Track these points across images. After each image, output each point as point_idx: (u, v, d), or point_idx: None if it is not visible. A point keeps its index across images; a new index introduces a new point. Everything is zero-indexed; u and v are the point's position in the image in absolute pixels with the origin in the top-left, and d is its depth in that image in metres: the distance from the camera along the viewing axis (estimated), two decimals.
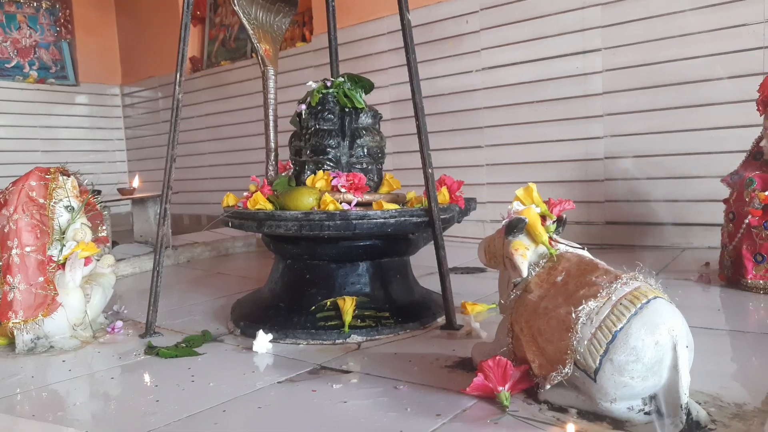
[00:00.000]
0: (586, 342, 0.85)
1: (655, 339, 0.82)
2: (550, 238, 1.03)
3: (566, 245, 1.03)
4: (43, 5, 4.63)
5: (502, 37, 2.77)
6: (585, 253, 1.01)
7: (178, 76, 1.50)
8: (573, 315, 0.87)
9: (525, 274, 1.00)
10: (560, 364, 0.88)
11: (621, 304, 0.85)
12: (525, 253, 1.00)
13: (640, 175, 2.45)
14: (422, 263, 1.86)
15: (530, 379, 0.97)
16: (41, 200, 1.43)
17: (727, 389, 0.99)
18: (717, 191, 1.95)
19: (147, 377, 1.22)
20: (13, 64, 4.47)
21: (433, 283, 1.72)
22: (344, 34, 2.93)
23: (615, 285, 0.87)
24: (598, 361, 0.84)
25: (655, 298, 0.86)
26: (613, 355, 0.83)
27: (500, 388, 0.96)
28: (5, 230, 1.39)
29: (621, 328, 0.83)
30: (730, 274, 1.71)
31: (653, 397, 0.86)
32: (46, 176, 1.47)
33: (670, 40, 2.34)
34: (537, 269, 1.00)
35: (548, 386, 0.91)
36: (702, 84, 2.29)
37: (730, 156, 2.12)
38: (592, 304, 0.86)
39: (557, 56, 2.61)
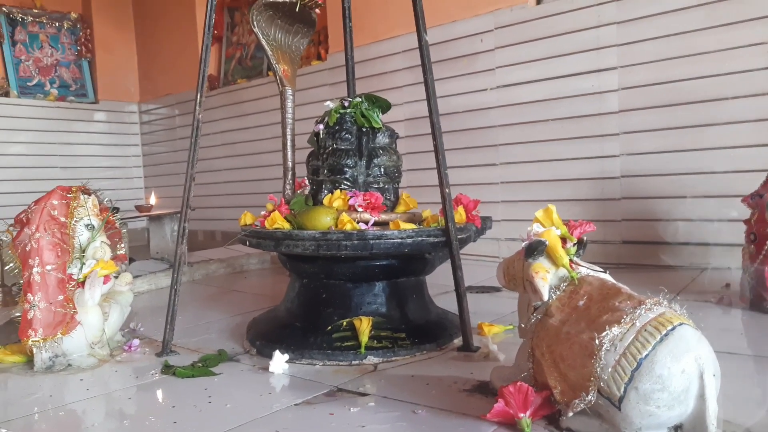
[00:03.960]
0: (610, 369, 0.83)
1: (681, 367, 0.80)
2: (571, 261, 1.02)
3: (588, 268, 1.02)
4: (65, 25, 4.74)
5: (516, 55, 2.78)
6: (607, 276, 1.00)
7: (198, 97, 1.52)
8: (596, 341, 0.85)
9: (546, 297, 0.99)
10: (583, 390, 0.86)
11: (646, 330, 0.83)
12: (546, 276, 0.99)
13: (657, 193, 2.43)
14: (437, 282, 1.85)
15: (552, 406, 0.96)
16: (62, 219, 1.45)
17: (754, 418, 0.97)
18: (737, 211, 1.93)
19: (164, 397, 1.22)
20: (34, 82, 4.57)
21: (448, 303, 1.70)
22: (359, 52, 2.96)
23: (639, 310, 0.86)
24: (622, 389, 0.82)
25: (680, 324, 0.84)
26: (638, 383, 0.81)
27: (521, 415, 0.94)
28: (27, 249, 1.41)
29: (646, 356, 0.81)
30: (752, 297, 1.68)
31: (679, 427, 0.84)
32: (68, 195, 1.48)
33: (685, 58, 2.33)
34: (558, 293, 0.99)
35: (570, 413, 0.89)
36: (719, 103, 2.28)
37: (749, 175, 2.09)
38: (615, 330, 0.85)
39: (572, 74, 2.61)
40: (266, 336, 1.50)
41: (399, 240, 1.36)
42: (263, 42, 1.66)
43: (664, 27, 2.38)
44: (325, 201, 1.51)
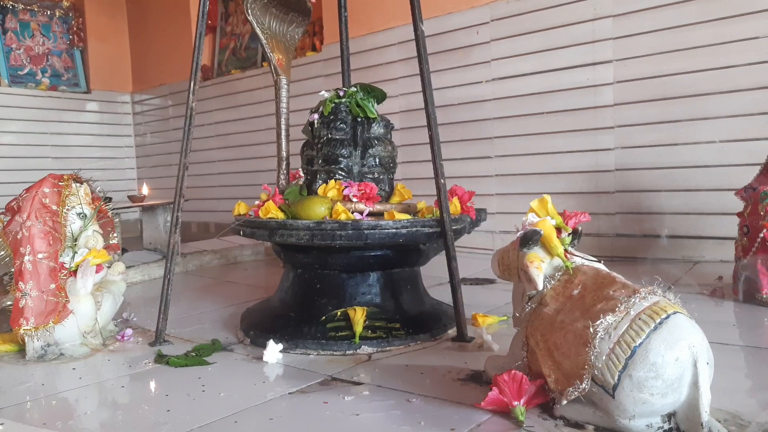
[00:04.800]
0: (604, 357, 0.84)
1: (675, 355, 0.81)
2: (566, 250, 1.02)
3: (582, 258, 1.02)
4: (57, 13, 4.68)
5: (512, 48, 2.77)
6: (601, 266, 1.00)
7: (192, 86, 1.51)
8: (591, 329, 0.86)
9: (540, 287, 0.99)
10: (577, 379, 0.87)
11: (640, 318, 0.84)
12: (540, 266, 1.00)
13: (651, 187, 2.44)
14: (431, 273, 1.85)
15: (546, 394, 0.96)
16: (54, 207, 1.44)
17: (746, 407, 0.98)
18: (730, 204, 1.94)
19: (157, 386, 1.21)
20: (25, 71, 4.52)
21: (442, 294, 1.71)
22: (354, 43, 2.95)
23: (633, 299, 0.86)
24: (616, 377, 0.82)
25: (674, 313, 0.84)
26: (632, 371, 0.81)
27: (515, 403, 0.94)
28: (18, 237, 1.39)
29: (640, 344, 0.82)
30: (744, 289, 1.69)
31: (673, 415, 0.85)
32: (60, 183, 1.47)
33: (680, 52, 2.34)
34: (552, 282, 0.99)
35: (564, 401, 0.89)
36: (713, 96, 2.28)
37: (742, 169, 2.10)
38: (610, 318, 0.85)
39: (568, 67, 2.61)
40: (260, 326, 1.50)
41: (394, 230, 1.36)
42: (258, 31, 1.65)
43: (659, 21, 2.38)
44: (320, 191, 1.51)
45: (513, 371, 0.96)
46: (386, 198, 1.59)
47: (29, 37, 4.56)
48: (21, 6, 4.54)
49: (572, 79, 2.60)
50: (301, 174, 1.67)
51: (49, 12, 4.65)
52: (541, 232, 1.01)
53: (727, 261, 1.99)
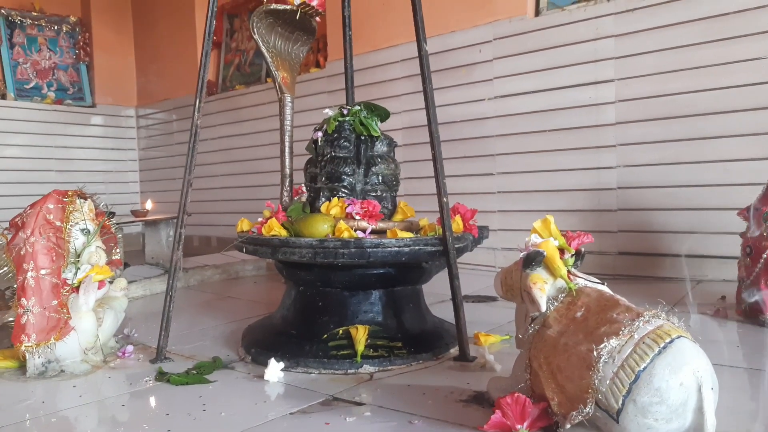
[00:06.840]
0: (608, 381, 0.83)
1: (679, 380, 0.80)
2: (569, 272, 1.02)
3: (585, 280, 1.02)
4: (64, 28, 4.74)
5: (514, 66, 2.79)
6: (605, 288, 1.00)
7: (197, 103, 1.52)
8: (594, 353, 0.85)
9: (543, 308, 0.99)
10: (581, 402, 0.86)
11: (644, 342, 0.83)
12: (543, 287, 0.99)
13: (654, 205, 2.44)
14: (433, 291, 1.85)
15: (549, 417, 0.95)
16: (58, 223, 1.44)
17: (751, 430, 0.97)
18: (733, 224, 1.93)
19: (157, 405, 1.20)
20: (32, 85, 4.56)
21: (444, 311, 1.70)
22: (357, 60, 2.97)
23: (637, 323, 0.86)
24: (620, 402, 0.82)
25: (678, 337, 0.84)
26: (637, 396, 0.81)
27: (518, 426, 0.94)
28: (21, 253, 1.40)
29: (644, 368, 0.81)
30: (748, 309, 1.68)
31: None
32: (64, 199, 1.48)
33: (683, 72, 2.35)
34: (556, 304, 0.99)
35: (568, 425, 0.89)
36: (715, 116, 2.29)
37: (745, 189, 2.10)
38: (613, 342, 0.85)
39: (570, 86, 2.62)
40: (261, 343, 1.49)
41: (396, 248, 1.36)
42: (263, 49, 1.66)
43: (661, 41, 2.40)
44: (323, 208, 1.51)
45: (516, 394, 0.96)
46: (389, 216, 1.59)
47: (36, 51, 4.61)
48: (29, 21, 4.59)
49: (574, 97, 2.61)
50: (305, 190, 1.68)
51: (56, 27, 4.71)
52: (544, 253, 1.01)
53: (730, 280, 1.98)
